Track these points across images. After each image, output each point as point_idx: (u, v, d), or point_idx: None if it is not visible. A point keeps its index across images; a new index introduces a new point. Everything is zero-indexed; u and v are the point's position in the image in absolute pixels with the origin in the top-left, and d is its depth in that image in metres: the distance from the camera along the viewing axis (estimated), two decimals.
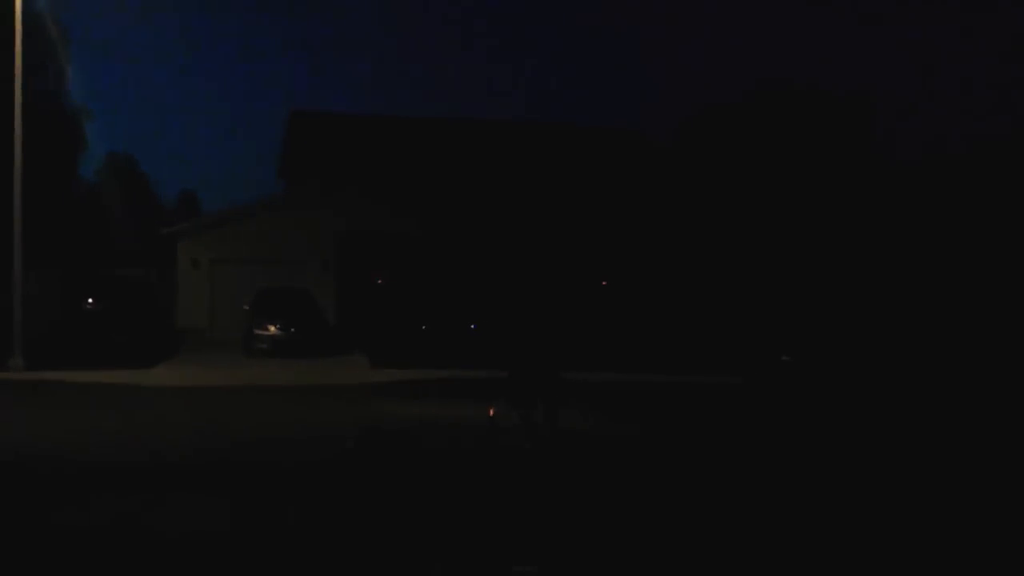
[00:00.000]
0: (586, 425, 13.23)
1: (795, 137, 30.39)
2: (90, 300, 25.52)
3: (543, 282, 22.80)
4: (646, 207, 31.04)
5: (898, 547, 7.42)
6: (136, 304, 25.34)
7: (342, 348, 25.33)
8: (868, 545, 7.42)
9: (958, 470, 10.67)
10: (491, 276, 26.54)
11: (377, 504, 8.08)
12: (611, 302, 28.40)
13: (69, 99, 35.01)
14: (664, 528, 7.83)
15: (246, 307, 25.68)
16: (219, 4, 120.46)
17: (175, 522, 7.63)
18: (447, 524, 7.57)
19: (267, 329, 24.51)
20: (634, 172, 32.80)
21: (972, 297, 23.97)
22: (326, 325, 26.52)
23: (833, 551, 7.28)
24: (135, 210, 42.85)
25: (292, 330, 24.52)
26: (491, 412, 12.42)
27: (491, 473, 9.69)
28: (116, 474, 9.49)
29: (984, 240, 26.19)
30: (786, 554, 7.21)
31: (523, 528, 7.56)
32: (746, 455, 11.33)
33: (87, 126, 36.91)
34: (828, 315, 23.46)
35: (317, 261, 29.11)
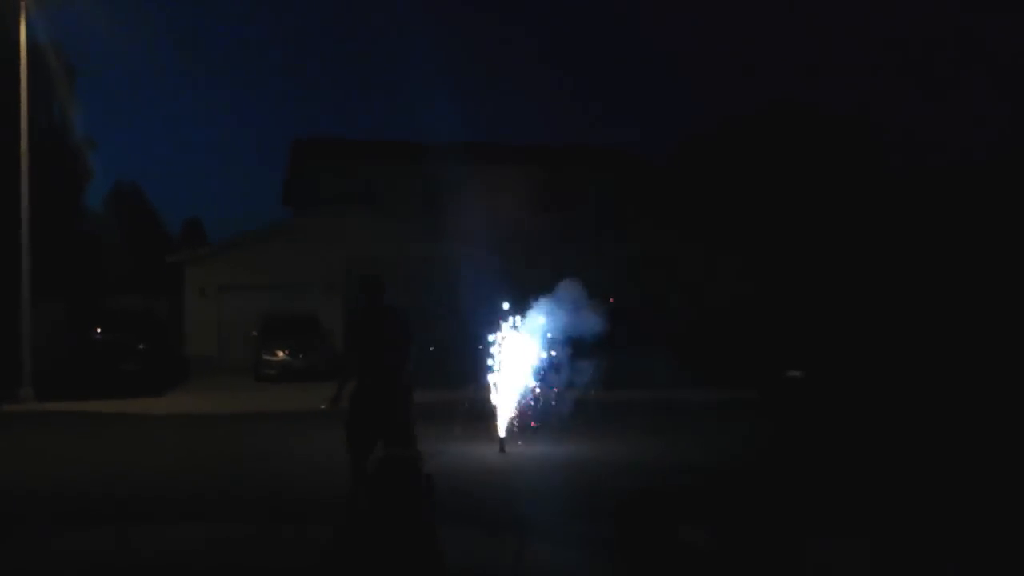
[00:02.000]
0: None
1: (801, 153, 30.48)
2: (98, 330, 25.56)
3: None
4: (649, 223, 31.08)
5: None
6: (144, 333, 25.37)
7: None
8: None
9: (974, 483, 10.59)
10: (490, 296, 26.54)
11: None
12: (620, 319, 28.33)
13: (74, 130, 35.20)
14: None
15: (254, 333, 25.74)
16: (222, 30, 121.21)
17: (191, 551, 7.60)
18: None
19: (276, 355, 24.57)
20: (637, 190, 32.88)
21: (987, 308, 23.86)
22: (334, 349, 26.54)
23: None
24: (141, 238, 42.97)
25: (301, 355, 24.58)
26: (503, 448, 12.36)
27: None
28: (127, 505, 9.47)
29: (996, 250, 26.15)
30: None
31: None
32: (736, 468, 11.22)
33: (92, 156, 37.12)
34: (838, 328, 23.36)
35: (324, 286, 29.13)
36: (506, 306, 12.95)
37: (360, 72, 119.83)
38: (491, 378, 12.99)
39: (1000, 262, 25.88)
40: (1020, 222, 26.33)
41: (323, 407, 8.37)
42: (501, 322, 12.95)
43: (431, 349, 26.23)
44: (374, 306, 8.24)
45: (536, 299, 12.77)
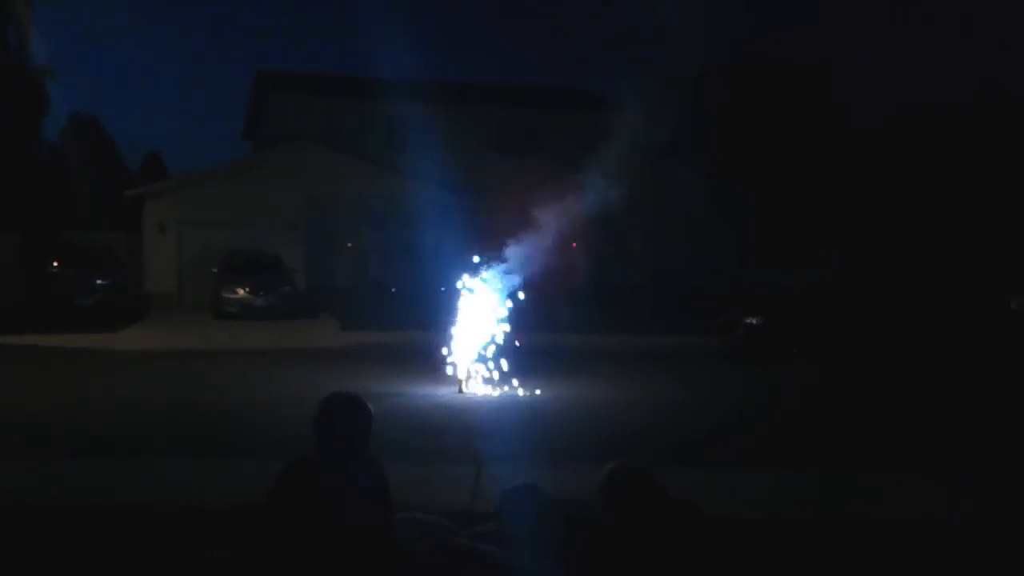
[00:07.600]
0: None
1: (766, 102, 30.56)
2: (55, 263, 25.19)
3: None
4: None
5: None
6: (101, 268, 25.02)
7: (312, 311, 25.17)
8: None
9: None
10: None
11: None
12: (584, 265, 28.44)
13: (31, 59, 34.25)
14: None
15: (214, 270, 25.48)
16: None
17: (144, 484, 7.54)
18: None
19: (236, 292, 24.33)
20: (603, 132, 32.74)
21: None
22: (296, 287, 26.35)
23: None
24: (99, 172, 42.16)
25: (261, 293, 24.37)
26: (461, 388, 12.39)
27: None
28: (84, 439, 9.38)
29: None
30: None
31: None
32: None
33: (50, 86, 36.15)
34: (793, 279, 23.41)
35: (286, 223, 28.85)
36: (475, 259, 12.93)
37: (326, 6, 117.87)
38: (453, 320, 12.95)
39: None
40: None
41: None
42: (465, 270, 12.91)
43: (392, 290, 26.27)
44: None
45: (500, 245, 12.73)
